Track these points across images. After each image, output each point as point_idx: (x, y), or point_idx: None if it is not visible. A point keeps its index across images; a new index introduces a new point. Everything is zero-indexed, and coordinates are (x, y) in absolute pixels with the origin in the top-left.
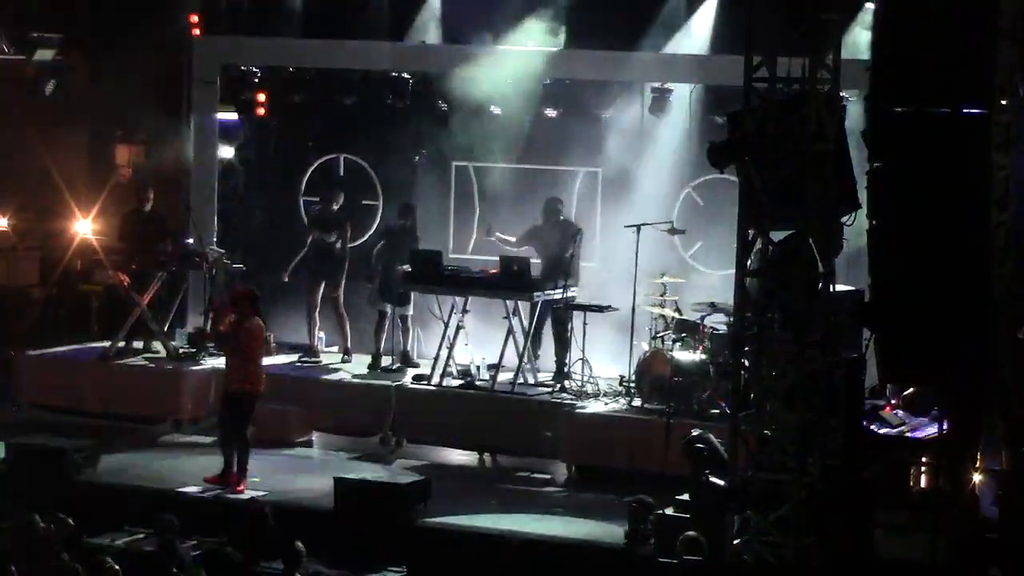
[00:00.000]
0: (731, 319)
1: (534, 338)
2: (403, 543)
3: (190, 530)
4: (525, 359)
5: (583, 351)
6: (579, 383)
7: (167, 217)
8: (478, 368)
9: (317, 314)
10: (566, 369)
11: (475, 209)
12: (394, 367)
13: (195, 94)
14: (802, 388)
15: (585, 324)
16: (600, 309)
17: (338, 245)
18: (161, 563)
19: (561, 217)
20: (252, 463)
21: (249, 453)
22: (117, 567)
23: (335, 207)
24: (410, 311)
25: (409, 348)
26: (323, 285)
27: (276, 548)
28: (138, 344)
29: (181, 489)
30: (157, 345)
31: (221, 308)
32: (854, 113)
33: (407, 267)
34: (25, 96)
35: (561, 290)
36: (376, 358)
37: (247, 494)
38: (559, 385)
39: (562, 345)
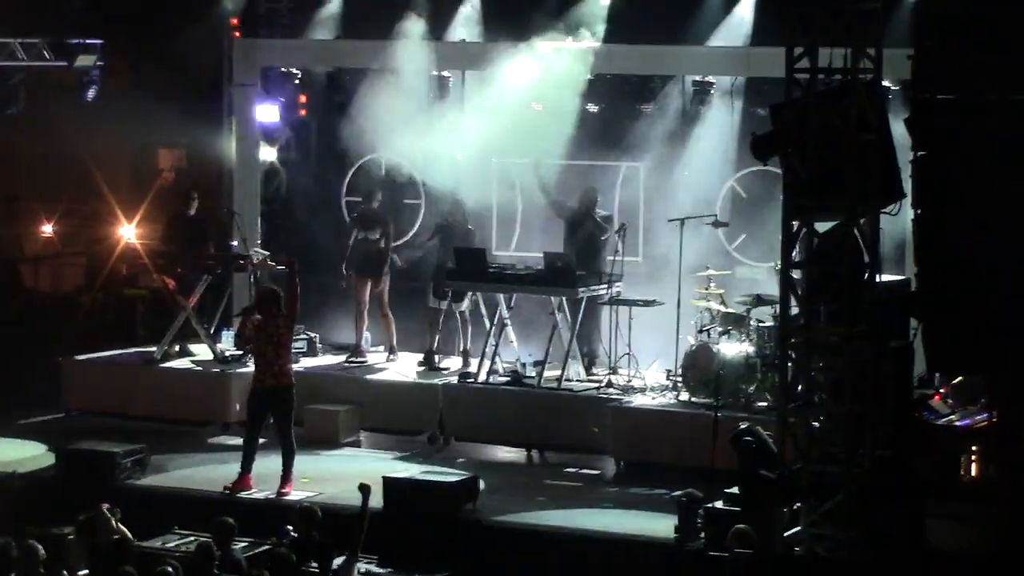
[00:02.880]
0: (777, 311)
1: (582, 334)
2: (452, 541)
3: (242, 532)
4: (570, 355)
5: (628, 346)
6: (626, 378)
7: (210, 220)
8: (524, 365)
9: (366, 313)
10: (615, 364)
11: (517, 206)
12: (441, 366)
13: (235, 96)
14: (850, 379)
15: (631, 319)
16: (645, 304)
17: (381, 243)
18: (199, 565)
19: (597, 208)
20: (301, 464)
21: (294, 455)
22: (170, 569)
23: (375, 204)
24: (465, 306)
25: (469, 347)
26: (369, 283)
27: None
28: (176, 347)
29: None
30: (195, 348)
31: (244, 312)
32: (897, 102)
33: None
34: (68, 102)
35: (606, 286)
36: (429, 355)
37: (295, 495)
38: (606, 380)
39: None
